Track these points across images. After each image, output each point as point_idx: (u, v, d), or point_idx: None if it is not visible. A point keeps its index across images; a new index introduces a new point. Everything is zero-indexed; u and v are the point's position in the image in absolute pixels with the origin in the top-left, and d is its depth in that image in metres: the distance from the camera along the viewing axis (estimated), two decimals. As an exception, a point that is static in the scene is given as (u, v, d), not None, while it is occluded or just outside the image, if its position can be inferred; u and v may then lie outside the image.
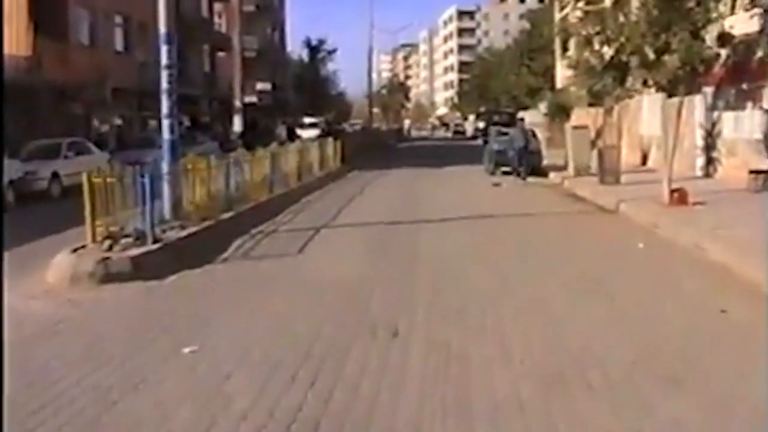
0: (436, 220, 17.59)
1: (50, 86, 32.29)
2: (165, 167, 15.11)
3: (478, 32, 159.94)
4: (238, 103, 68.49)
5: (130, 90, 41.79)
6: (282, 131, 61.34)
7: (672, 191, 18.17)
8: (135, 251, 12.16)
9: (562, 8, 39.17)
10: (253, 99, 69.09)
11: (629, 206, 18.41)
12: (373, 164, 38.98)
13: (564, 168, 29.35)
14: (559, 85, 40.47)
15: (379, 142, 60.97)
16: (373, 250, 13.80)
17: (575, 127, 27.83)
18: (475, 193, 24.16)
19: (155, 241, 12.78)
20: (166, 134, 15.22)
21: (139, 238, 12.77)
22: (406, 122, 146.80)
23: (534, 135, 31.48)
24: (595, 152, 27.28)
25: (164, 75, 15.20)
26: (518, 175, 28.39)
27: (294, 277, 11.55)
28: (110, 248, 12.31)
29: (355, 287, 10.65)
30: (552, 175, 29.16)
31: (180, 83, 46.86)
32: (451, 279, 11.09)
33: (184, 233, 14.00)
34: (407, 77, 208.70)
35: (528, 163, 28.67)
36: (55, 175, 24.11)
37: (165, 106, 15.20)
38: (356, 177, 31.27)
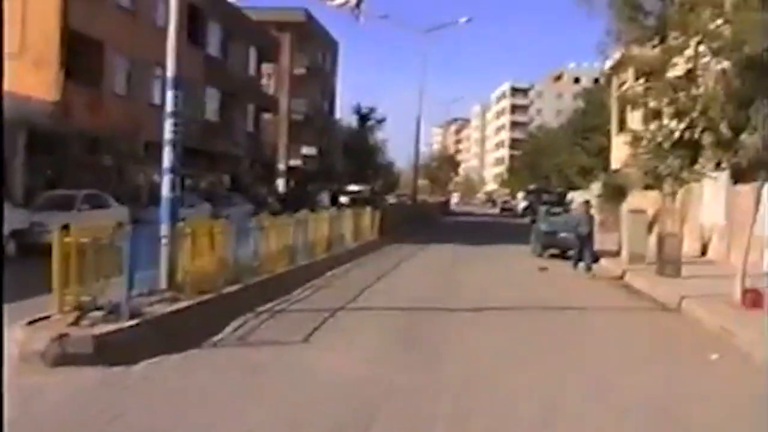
0: (472, 310, 15.35)
1: (80, 135, 30.76)
2: (162, 230, 13.12)
3: (531, 110, 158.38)
4: (282, 166, 67.91)
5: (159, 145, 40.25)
6: (325, 197, 59.83)
7: (745, 291, 15.75)
8: (102, 328, 10.08)
9: (620, 85, 37.17)
10: (298, 162, 67.99)
11: (694, 305, 15.99)
12: (413, 238, 36.86)
13: (616, 254, 26.99)
14: (614, 165, 38.19)
15: (423, 214, 58.77)
16: (392, 344, 11.58)
17: (632, 211, 25.49)
18: (519, 278, 21.88)
19: (132, 317, 10.69)
20: (165, 191, 13.27)
21: (113, 311, 10.70)
22: (455, 196, 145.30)
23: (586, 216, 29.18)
24: (652, 239, 24.91)
25: (168, 124, 13.30)
26: (576, 264, 24.37)
27: (289, 376, 9.40)
28: (76, 322, 10.27)
29: (359, 395, 8.46)
30: (603, 261, 26.80)
31: (222, 142, 45.51)
32: (481, 396, 8.82)
33: (173, 308, 11.91)
34: (458, 151, 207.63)
35: (592, 253, 24.78)
36: (65, 229, 22.21)
37: (167, 159, 13.27)
38: (392, 251, 29.13)
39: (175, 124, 13.30)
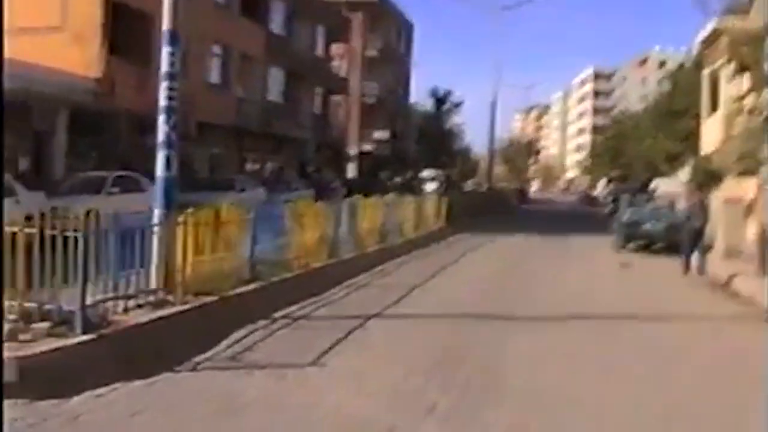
0: (538, 318, 12.61)
1: (127, 114, 28.67)
2: (155, 217, 10.68)
3: (615, 95, 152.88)
4: (353, 151, 65.38)
5: (225, 126, 38.18)
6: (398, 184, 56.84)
7: None
8: (37, 346, 7.68)
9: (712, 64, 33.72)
10: (369, 147, 65.37)
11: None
12: (484, 228, 33.90)
13: (708, 248, 23.82)
14: (704, 150, 34.73)
15: (498, 202, 55.64)
16: (427, 371, 8.86)
17: (728, 201, 22.25)
18: (597, 277, 18.94)
19: (88, 329, 8.26)
20: (159, 170, 10.82)
21: (65, 322, 8.29)
22: (534, 183, 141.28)
23: (672, 206, 26.07)
24: (750, 232, 21.69)
25: (163, 87, 10.89)
26: (687, 266, 19.98)
27: (273, 420, 6.84)
28: (13, 336, 7.88)
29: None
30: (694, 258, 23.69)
31: (286, 124, 43.08)
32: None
33: (155, 315, 9.46)
34: (538, 138, 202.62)
35: (703, 251, 20.36)
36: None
37: (161, 132, 10.84)
38: (457, 242, 26.40)
39: (171, 88, 10.83)
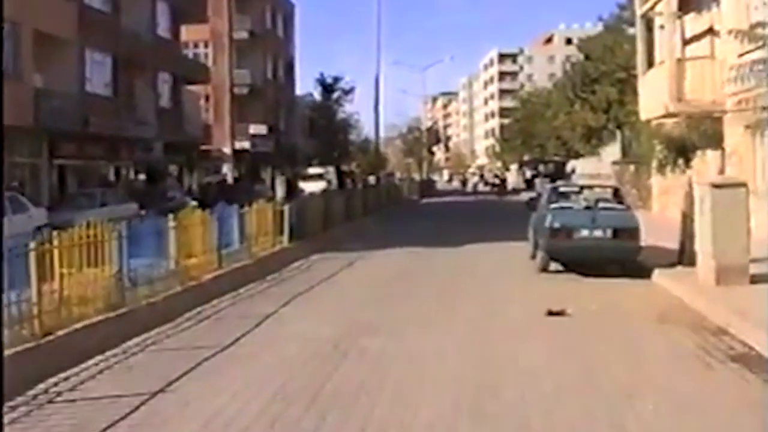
0: None
1: None
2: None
3: (521, 76, 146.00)
4: (226, 149, 55.80)
5: (21, 128, 27.92)
6: (280, 185, 47.98)
7: None
8: None
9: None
10: (245, 144, 55.89)
11: None
12: (358, 237, 25.17)
13: (677, 262, 15.11)
14: (645, 114, 26.08)
15: (392, 198, 46.99)
16: None
17: (719, 186, 13.12)
18: (506, 356, 9.75)
19: None
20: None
21: None
22: (444, 173, 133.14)
23: (619, 197, 17.15)
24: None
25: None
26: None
27: None
28: None
29: None
30: (658, 274, 14.89)
31: (118, 122, 32.88)
32: None
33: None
34: (447, 125, 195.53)
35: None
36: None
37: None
38: (289, 279, 17.08)
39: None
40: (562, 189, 18.22)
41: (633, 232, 15.33)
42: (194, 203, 32.14)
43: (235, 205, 19.15)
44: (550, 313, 11.68)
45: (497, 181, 68.19)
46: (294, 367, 8.86)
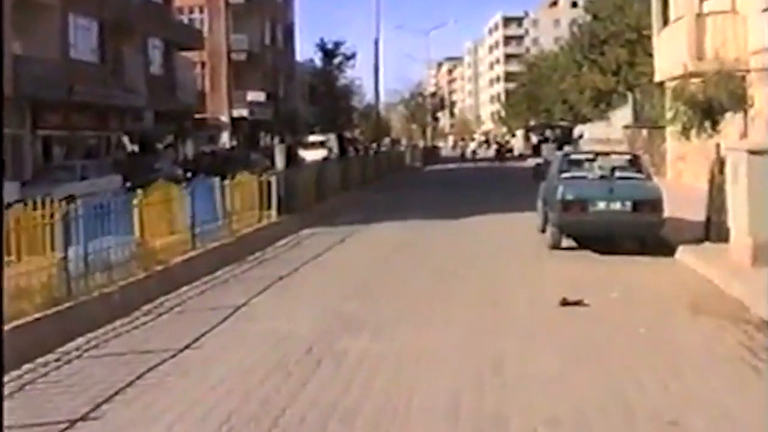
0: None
1: None
2: None
3: (527, 40, 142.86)
4: (223, 117, 53.97)
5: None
6: (279, 153, 45.76)
7: None
8: None
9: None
10: (243, 112, 54.02)
11: None
12: (360, 208, 23.94)
13: (704, 238, 13.41)
14: (661, 75, 24.22)
15: (396, 166, 45.27)
16: None
17: (758, 152, 11.33)
18: (515, 334, 8.30)
19: None
20: None
21: None
22: (449, 140, 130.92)
23: (637, 165, 15.39)
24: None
25: None
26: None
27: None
28: None
29: None
30: (682, 251, 13.20)
31: (105, 89, 30.95)
32: None
33: None
34: (452, 91, 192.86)
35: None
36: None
37: None
38: (277, 256, 15.48)
39: None
40: (574, 156, 16.39)
41: (655, 205, 13.59)
42: (186, 174, 30.92)
43: (216, 178, 17.43)
44: (565, 303, 9.97)
45: (495, 146, 66.08)
46: (253, 383, 7.19)
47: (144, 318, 10.04)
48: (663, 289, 10.99)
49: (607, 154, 16.36)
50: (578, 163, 15.52)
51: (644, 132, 30.49)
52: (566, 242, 14.72)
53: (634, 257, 13.58)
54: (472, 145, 70.94)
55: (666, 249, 13.89)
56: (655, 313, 9.60)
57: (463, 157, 63.38)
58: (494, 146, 69.30)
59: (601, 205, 13.65)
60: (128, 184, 25.70)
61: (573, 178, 14.68)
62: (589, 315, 9.60)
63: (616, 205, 13.62)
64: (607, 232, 14.02)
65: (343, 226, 19.49)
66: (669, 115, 18.35)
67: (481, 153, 69.47)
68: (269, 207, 19.14)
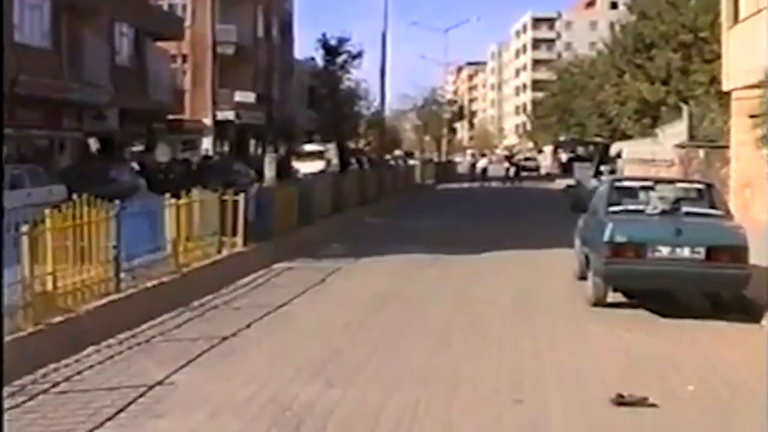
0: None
1: None
2: None
3: (558, 44, 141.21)
4: (207, 121, 51.97)
5: None
6: (268, 164, 44.23)
7: None
8: None
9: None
10: (229, 115, 52.09)
11: None
12: (353, 235, 22.26)
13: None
14: (731, 82, 21.92)
15: (404, 183, 43.23)
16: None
17: None
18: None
19: None
20: None
21: None
22: (467, 154, 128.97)
23: (711, 197, 13.04)
24: None
25: None
26: None
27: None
28: None
29: None
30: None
31: (58, 82, 28.87)
32: None
33: None
34: (471, 100, 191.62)
35: None
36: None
37: None
38: (226, 306, 13.14)
39: None
40: (626, 183, 14.00)
41: (738, 253, 11.22)
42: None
43: (165, 195, 15.19)
44: (621, 401, 7.58)
45: (506, 164, 63.38)
46: None
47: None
48: (753, 375, 8.60)
49: (670, 181, 14.01)
50: (631, 193, 13.17)
51: (701, 153, 28.28)
52: (613, 295, 12.37)
53: (706, 321, 11.25)
54: (483, 162, 67.65)
55: (748, 308, 11.58)
56: (754, 428, 7.21)
57: (472, 176, 59.82)
58: (505, 163, 65.99)
59: (665, 250, 11.26)
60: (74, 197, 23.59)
61: (625, 212, 12.33)
62: (659, 425, 7.21)
63: (685, 252, 11.24)
64: (671, 287, 11.65)
65: (328, 260, 17.34)
66: (759, 132, 15.99)
67: (494, 171, 66.46)
68: (235, 233, 16.91)
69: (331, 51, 67.99)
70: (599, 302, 12.09)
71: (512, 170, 60.23)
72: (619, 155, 49.28)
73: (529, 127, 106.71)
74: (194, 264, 14.48)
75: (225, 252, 16.11)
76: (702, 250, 11.21)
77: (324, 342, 10.21)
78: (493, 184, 55.86)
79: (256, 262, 16.30)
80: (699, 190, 13.36)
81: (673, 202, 12.16)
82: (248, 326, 10.98)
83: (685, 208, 12.18)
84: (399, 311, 12.28)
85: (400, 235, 22.29)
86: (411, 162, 69.32)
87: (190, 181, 24.51)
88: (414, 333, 10.74)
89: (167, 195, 15.04)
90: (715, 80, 30.86)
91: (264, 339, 10.40)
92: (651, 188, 12.84)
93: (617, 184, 13.66)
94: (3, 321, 7.51)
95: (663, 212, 12.03)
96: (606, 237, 11.53)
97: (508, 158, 68.31)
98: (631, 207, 12.51)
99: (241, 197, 17.41)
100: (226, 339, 10.20)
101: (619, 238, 11.45)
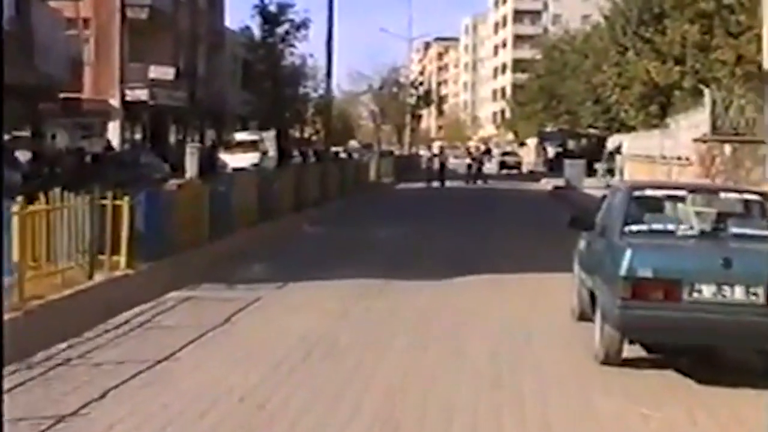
0: None
1: None
2: None
3: (545, 17, 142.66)
4: (114, 102, 50.40)
5: None
6: (190, 156, 43.43)
7: None
8: None
9: None
10: (142, 95, 50.91)
11: None
12: (282, 251, 20.84)
13: None
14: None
15: (355, 182, 42.08)
16: None
17: None
18: None
19: None
20: None
21: None
22: (434, 147, 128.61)
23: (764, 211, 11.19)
24: None
25: None
26: None
27: None
28: None
29: None
30: None
31: None
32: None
33: None
34: (441, 83, 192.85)
35: None
36: None
37: None
38: (105, 348, 11.37)
39: None
40: (648, 192, 12.01)
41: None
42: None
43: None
44: None
45: (468, 160, 61.82)
46: None
47: None
48: None
49: (709, 190, 12.16)
50: (656, 205, 11.25)
51: (726, 148, 27.27)
52: (628, 347, 10.49)
53: (753, 391, 9.40)
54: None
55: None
56: None
57: (429, 174, 57.47)
58: (467, 159, 64.40)
59: (708, 290, 9.37)
60: None
61: (649, 233, 10.44)
62: None
63: (737, 292, 9.37)
64: (716, 343, 9.83)
65: (244, 287, 15.56)
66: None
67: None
68: (117, 250, 14.90)
69: (270, 19, 67.97)
70: (612, 360, 10.19)
71: (474, 167, 59.03)
72: (617, 149, 48.32)
73: (509, 115, 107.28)
74: (50, 296, 12.43)
75: (99, 277, 14.10)
76: (761, 291, 9.32)
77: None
78: (454, 183, 54.19)
79: (143, 291, 14.36)
80: (750, 201, 11.46)
81: (715, 219, 10.32)
82: (102, 396, 8.89)
83: (732, 229, 10.35)
84: (326, 375, 10.17)
85: (343, 250, 20.93)
86: (367, 156, 68.58)
87: (80, 179, 23.14)
88: (344, 416, 8.63)
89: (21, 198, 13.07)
90: (742, 58, 30.06)
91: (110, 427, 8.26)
92: (683, 199, 10.96)
93: (637, 192, 11.70)
94: (2, 319, 6.82)
95: (702, 234, 10.17)
96: (623, 270, 9.55)
97: (470, 153, 67.02)
98: (657, 226, 10.61)
99: (125, 201, 15.43)
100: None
101: (643, 272, 9.50)
